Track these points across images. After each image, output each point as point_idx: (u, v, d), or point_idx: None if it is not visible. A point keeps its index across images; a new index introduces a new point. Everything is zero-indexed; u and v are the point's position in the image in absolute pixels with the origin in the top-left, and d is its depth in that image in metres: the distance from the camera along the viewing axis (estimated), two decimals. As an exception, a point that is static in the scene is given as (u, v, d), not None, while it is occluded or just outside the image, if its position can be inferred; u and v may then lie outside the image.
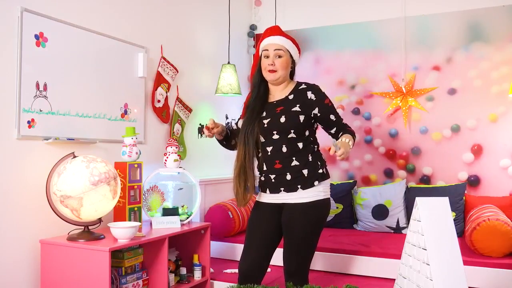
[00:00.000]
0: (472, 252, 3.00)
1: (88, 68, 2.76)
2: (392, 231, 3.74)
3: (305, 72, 4.47)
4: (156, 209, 2.99)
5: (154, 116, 3.35)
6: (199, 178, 3.38)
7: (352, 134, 2.30)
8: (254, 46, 4.67)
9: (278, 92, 2.39)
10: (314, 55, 4.46)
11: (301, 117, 2.28)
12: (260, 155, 2.36)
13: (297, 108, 2.29)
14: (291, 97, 2.33)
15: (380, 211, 3.78)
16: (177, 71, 3.54)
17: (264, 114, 2.34)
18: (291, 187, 2.28)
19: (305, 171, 2.27)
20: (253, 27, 4.69)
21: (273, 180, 2.31)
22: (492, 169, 3.74)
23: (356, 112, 4.26)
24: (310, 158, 2.30)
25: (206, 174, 3.81)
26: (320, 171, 2.31)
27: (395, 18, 4.11)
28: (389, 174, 4.12)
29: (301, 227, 2.26)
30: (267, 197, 2.37)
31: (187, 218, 3.01)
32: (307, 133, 2.32)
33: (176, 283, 2.89)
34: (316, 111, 2.31)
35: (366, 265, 3.14)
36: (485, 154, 3.78)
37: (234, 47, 4.26)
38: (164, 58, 3.42)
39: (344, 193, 3.97)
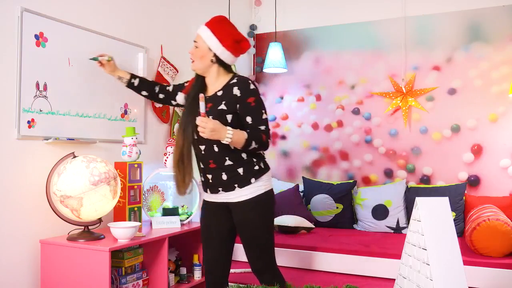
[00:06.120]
0: (472, 252, 3.00)
1: (88, 68, 2.76)
2: (392, 231, 3.74)
3: (305, 72, 4.48)
4: (156, 209, 2.99)
5: (154, 116, 3.35)
6: (199, 178, 3.37)
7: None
8: (254, 46, 4.68)
9: (211, 86, 2.29)
10: (314, 55, 4.46)
11: (229, 117, 2.17)
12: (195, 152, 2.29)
13: (223, 107, 2.17)
14: (219, 93, 2.22)
15: (380, 211, 3.78)
16: (177, 71, 3.53)
17: None
18: (228, 187, 2.23)
19: (240, 170, 2.20)
20: (253, 27, 4.69)
21: (210, 181, 2.26)
22: (492, 169, 3.74)
23: (356, 112, 4.26)
24: (244, 156, 2.22)
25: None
26: (256, 167, 2.24)
27: (395, 18, 4.11)
28: (389, 174, 4.12)
29: (250, 225, 2.25)
30: (210, 197, 2.34)
31: (187, 218, 3.01)
32: None
33: (176, 283, 2.89)
34: (237, 108, 2.18)
35: (366, 265, 3.14)
36: (485, 154, 3.78)
37: (234, 47, 4.24)
38: (164, 58, 3.41)
39: (344, 193, 3.98)
